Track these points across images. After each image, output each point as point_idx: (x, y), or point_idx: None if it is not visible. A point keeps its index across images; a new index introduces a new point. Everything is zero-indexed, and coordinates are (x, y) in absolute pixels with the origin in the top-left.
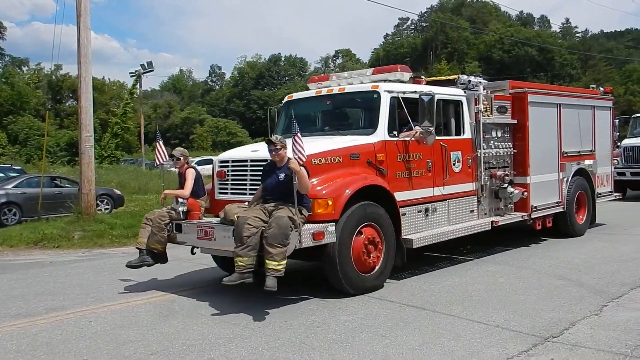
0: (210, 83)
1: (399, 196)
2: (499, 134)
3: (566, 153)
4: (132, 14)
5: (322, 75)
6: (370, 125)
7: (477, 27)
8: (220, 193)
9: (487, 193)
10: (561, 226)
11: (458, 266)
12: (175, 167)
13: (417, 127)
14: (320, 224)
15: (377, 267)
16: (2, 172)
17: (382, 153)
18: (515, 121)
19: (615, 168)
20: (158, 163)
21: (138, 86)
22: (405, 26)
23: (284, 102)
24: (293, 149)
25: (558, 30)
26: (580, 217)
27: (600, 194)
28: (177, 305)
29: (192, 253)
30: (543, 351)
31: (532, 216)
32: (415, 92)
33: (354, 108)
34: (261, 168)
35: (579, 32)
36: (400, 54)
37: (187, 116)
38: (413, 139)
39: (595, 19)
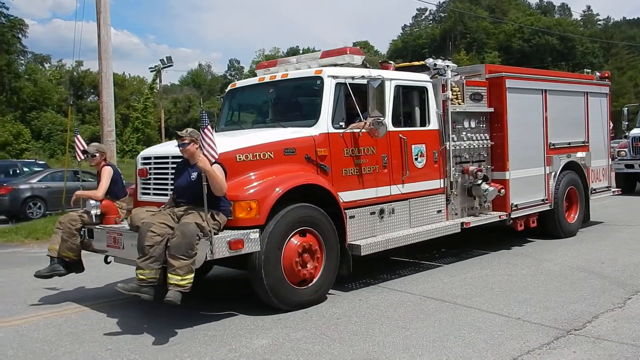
0: (229, 77)
1: (346, 196)
2: (473, 125)
3: (553, 145)
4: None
5: (271, 60)
6: (312, 116)
7: (496, 17)
8: (143, 194)
9: (458, 191)
10: (549, 226)
11: (478, 258)
12: (91, 165)
13: (369, 119)
14: (241, 231)
15: (315, 279)
16: (26, 167)
17: (325, 147)
18: (491, 110)
19: (621, 160)
20: (78, 160)
21: (158, 81)
22: (423, 17)
23: (227, 90)
24: (202, 145)
25: (579, 18)
26: (572, 215)
27: (595, 189)
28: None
29: (106, 262)
30: (565, 344)
31: (513, 216)
32: (363, 77)
33: (297, 96)
34: None
35: (600, 20)
36: (418, 44)
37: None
38: (363, 130)
39: (617, 6)
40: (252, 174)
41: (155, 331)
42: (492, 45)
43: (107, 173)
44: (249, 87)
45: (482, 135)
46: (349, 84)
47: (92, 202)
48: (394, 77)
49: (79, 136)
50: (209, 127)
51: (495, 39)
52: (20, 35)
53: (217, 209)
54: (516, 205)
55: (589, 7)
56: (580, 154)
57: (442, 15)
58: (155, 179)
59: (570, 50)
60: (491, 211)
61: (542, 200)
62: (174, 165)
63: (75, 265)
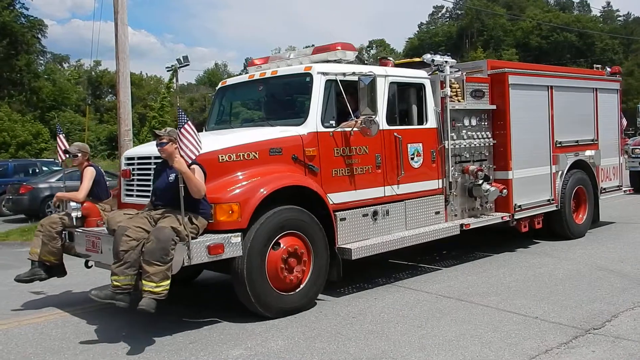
0: None
1: (337, 198)
2: (474, 123)
3: (560, 143)
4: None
5: (263, 57)
6: (301, 114)
7: (513, 14)
8: (127, 196)
9: (458, 191)
10: (556, 227)
11: (495, 257)
12: (73, 165)
13: (361, 117)
14: (221, 235)
15: (303, 284)
16: (45, 166)
17: (313, 147)
18: (494, 107)
19: (636, 158)
20: (60, 160)
21: (175, 80)
22: (440, 14)
23: (217, 88)
24: (179, 145)
25: (598, 14)
26: (580, 216)
27: (604, 189)
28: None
29: (87, 266)
30: (584, 343)
31: (516, 216)
32: (354, 73)
33: (287, 94)
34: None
35: (620, 16)
36: (435, 42)
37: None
38: (355, 129)
39: (637, 1)
40: (235, 175)
41: (132, 340)
42: (510, 43)
43: (89, 174)
44: (239, 84)
45: (483, 133)
46: (340, 80)
47: (72, 204)
48: (389, 74)
49: (61, 135)
50: (188, 125)
51: (513, 36)
52: (39, 36)
53: (196, 212)
54: (520, 206)
55: (608, 3)
56: (588, 152)
57: (459, 13)
58: (138, 180)
59: (590, 47)
60: (493, 212)
61: (548, 200)
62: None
63: (56, 270)
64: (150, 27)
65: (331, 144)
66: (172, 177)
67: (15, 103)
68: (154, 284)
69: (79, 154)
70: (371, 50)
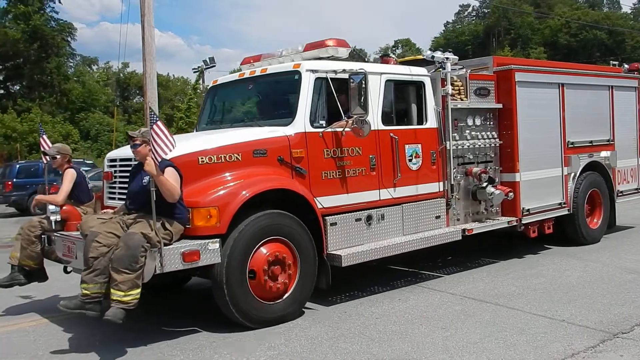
0: None
1: (327, 202)
2: (478, 122)
3: (572, 144)
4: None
5: (256, 55)
6: (289, 114)
7: (541, 12)
8: (110, 199)
9: (461, 194)
10: (568, 232)
11: (522, 259)
12: (54, 167)
13: (352, 117)
14: (198, 241)
15: (288, 293)
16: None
17: (301, 148)
18: (500, 106)
19: None
20: (44, 162)
21: (201, 82)
22: (466, 13)
23: (208, 87)
24: (151, 146)
25: (629, 11)
26: (594, 220)
27: (621, 192)
28: None
29: (66, 272)
30: (612, 347)
31: (524, 221)
32: (344, 71)
33: (275, 93)
34: None
35: None
36: (461, 41)
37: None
38: (347, 130)
39: None
40: (215, 178)
41: (104, 350)
42: (537, 41)
43: (69, 176)
44: (230, 83)
45: (489, 133)
46: (331, 78)
47: (51, 207)
48: (384, 71)
49: (44, 136)
50: (157, 125)
51: (541, 34)
52: (69, 39)
53: (171, 217)
54: (528, 210)
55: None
56: (604, 154)
57: (486, 11)
58: (120, 182)
59: (620, 44)
60: (500, 216)
61: (560, 204)
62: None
63: (36, 274)
64: (177, 29)
65: (321, 145)
66: (145, 180)
67: (46, 105)
68: (122, 293)
69: (58, 156)
70: (397, 50)
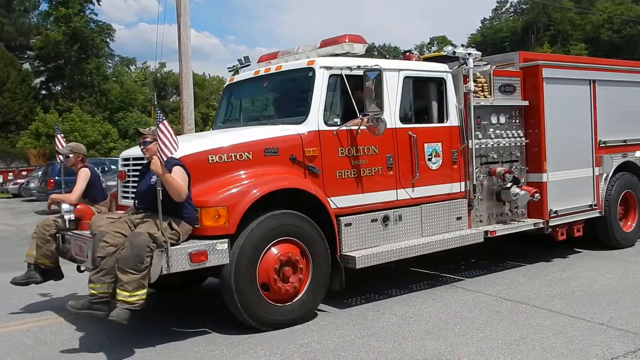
0: None
1: (341, 202)
2: (503, 120)
3: (604, 143)
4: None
5: (273, 52)
6: (302, 112)
7: (582, 7)
8: (124, 198)
9: (484, 195)
10: (599, 235)
11: (559, 260)
12: (68, 166)
13: (367, 114)
14: (206, 241)
15: (299, 295)
16: (114, 165)
17: (314, 147)
18: (526, 103)
19: None
20: (59, 161)
21: None
22: (504, 9)
23: (224, 85)
24: (157, 145)
25: None
26: (629, 223)
27: None
28: None
29: (79, 271)
30: None
31: (552, 223)
32: (359, 67)
33: (290, 90)
34: None
35: None
36: (498, 38)
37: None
38: (362, 128)
39: None
40: (225, 177)
41: (113, 350)
42: (578, 37)
43: (83, 175)
44: (245, 81)
45: (514, 132)
46: (346, 75)
47: (65, 206)
48: (402, 68)
49: (59, 136)
50: (163, 124)
51: (582, 30)
52: (108, 40)
53: (179, 216)
54: (556, 212)
55: None
56: (639, 153)
57: (524, 7)
58: (133, 181)
59: None
60: (526, 218)
61: (590, 205)
62: None
63: (52, 273)
64: (213, 29)
65: (335, 143)
66: (153, 179)
67: (85, 105)
68: (128, 293)
69: (71, 155)
70: (432, 47)
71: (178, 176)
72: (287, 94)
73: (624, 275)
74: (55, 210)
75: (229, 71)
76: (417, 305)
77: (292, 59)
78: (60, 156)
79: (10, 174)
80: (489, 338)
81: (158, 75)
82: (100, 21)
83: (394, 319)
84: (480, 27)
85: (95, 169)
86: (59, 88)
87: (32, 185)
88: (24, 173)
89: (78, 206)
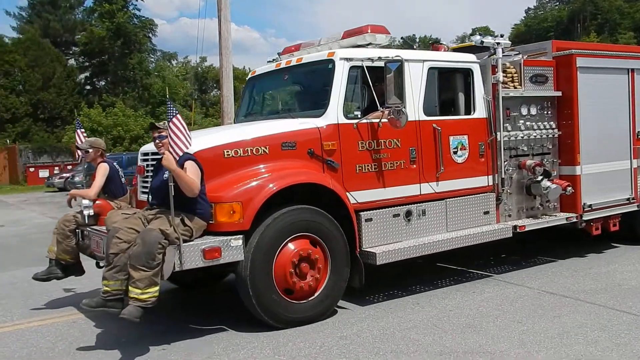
0: None
1: (362, 196)
2: (534, 112)
3: None
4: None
5: (296, 44)
6: (321, 105)
7: None
8: (143, 193)
9: (513, 189)
10: (638, 230)
11: (604, 254)
12: (87, 162)
13: (387, 107)
14: (220, 237)
15: (317, 292)
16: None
17: (333, 140)
18: (559, 94)
19: None
20: (78, 156)
21: None
22: None
23: (247, 79)
24: (169, 140)
25: None
26: None
27: None
28: None
29: (98, 267)
30: None
31: (585, 217)
32: (380, 58)
33: (310, 83)
34: None
35: None
36: (543, 28)
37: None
38: (384, 121)
39: None
40: (241, 172)
41: (129, 347)
42: (627, 26)
43: (102, 170)
44: (267, 74)
45: (546, 123)
46: (367, 67)
47: (84, 201)
48: (427, 59)
49: (79, 131)
50: (176, 119)
51: (631, 18)
52: (150, 35)
53: (192, 212)
54: (590, 206)
55: None
56: None
57: None
58: (152, 177)
59: None
60: (558, 212)
61: (628, 199)
62: None
63: (73, 268)
64: (253, 23)
65: (355, 137)
66: (166, 174)
67: (128, 99)
68: (140, 291)
69: (90, 150)
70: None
71: (191, 171)
72: (307, 86)
73: None
74: (78, 205)
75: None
76: (458, 299)
77: (314, 50)
78: (80, 151)
79: (56, 168)
80: (531, 331)
81: (199, 69)
82: (143, 16)
83: (434, 312)
84: (524, 17)
85: (115, 164)
86: (103, 83)
87: (76, 179)
88: (69, 167)
89: (97, 201)
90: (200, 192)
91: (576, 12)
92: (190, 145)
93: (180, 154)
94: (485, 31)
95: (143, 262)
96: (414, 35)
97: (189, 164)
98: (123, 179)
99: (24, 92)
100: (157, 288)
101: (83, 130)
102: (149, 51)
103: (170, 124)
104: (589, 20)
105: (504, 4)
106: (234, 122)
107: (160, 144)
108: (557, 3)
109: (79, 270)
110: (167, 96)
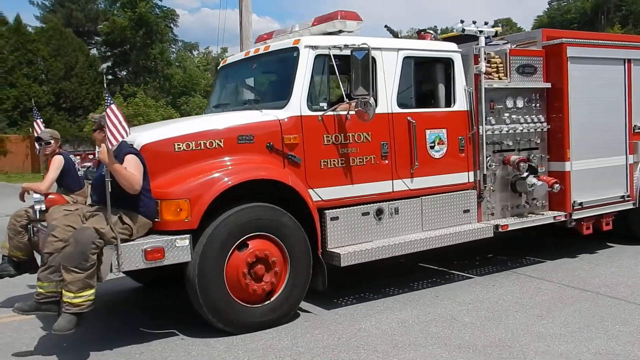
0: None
1: (327, 193)
2: (520, 104)
3: None
4: None
5: (270, 32)
6: (284, 96)
7: None
8: None
9: (497, 186)
10: (634, 228)
11: (625, 247)
12: (45, 153)
13: (355, 98)
14: (164, 237)
15: (275, 295)
16: None
17: (295, 133)
18: (548, 85)
19: None
20: (37, 148)
21: None
22: None
23: (218, 67)
24: (106, 131)
25: None
26: None
27: None
28: None
29: None
30: None
31: (575, 216)
32: (346, 46)
33: (277, 72)
34: None
35: None
36: (566, 19)
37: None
38: (352, 113)
39: None
40: (192, 166)
41: (68, 353)
42: None
43: (56, 163)
44: (236, 63)
45: (534, 117)
46: (334, 55)
47: (35, 195)
48: (402, 47)
49: (38, 120)
50: (110, 109)
51: None
52: (172, 25)
53: (134, 209)
54: (580, 204)
55: None
56: None
57: None
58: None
59: None
60: (546, 210)
61: (622, 197)
62: None
63: (26, 266)
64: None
65: (320, 130)
66: (105, 169)
67: (149, 89)
68: (72, 294)
69: (52, 141)
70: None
71: (131, 166)
72: (274, 75)
73: None
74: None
75: None
76: (477, 292)
77: (286, 38)
78: (38, 142)
79: (77, 157)
80: (551, 325)
81: (220, 60)
82: (165, 7)
83: (453, 305)
84: (547, 8)
85: (70, 156)
86: (124, 73)
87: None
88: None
89: (50, 196)
90: (143, 188)
91: (600, 4)
92: (126, 135)
93: (115, 143)
94: (508, 23)
95: (75, 264)
96: (435, 27)
97: (130, 158)
98: (80, 172)
99: (47, 81)
100: (92, 291)
101: (42, 120)
102: (170, 41)
103: (105, 114)
104: (613, 12)
105: None
106: (205, 113)
107: (94, 138)
108: None
109: (33, 268)
110: (105, 88)
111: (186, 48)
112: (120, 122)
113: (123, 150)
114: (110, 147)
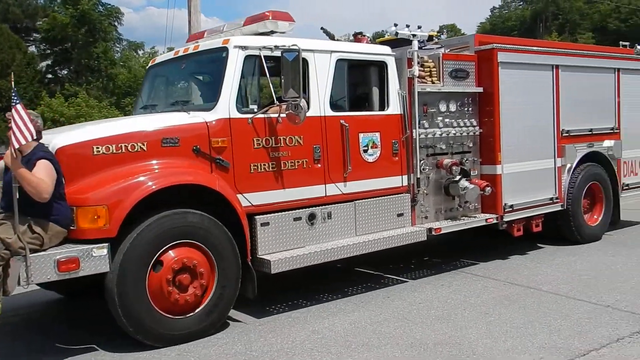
0: None
1: (258, 198)
2: (453, 108)
3: (567, 132)
4: None
5: (201, 32)
6: (212, 97)
7: None
8: None
9: (430, 189)
10: (562, 229)
11: (565, 248)
12: None
13: (286, 100)
14: (79, 246)
15: (203, 305)
16: None
17: (224, 137)
18: (480, 90)
19: None
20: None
21: None
22: None
23: (147, 67)
24: (11, 133)
25: None
26: (594, 216)
27: (628, 185)
28: None
29: None
30: None
31: (507, 218)
32: (277, 47)
33: (205, 72)
34: None
35: None
36: (507, 27)
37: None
38: (283, 116)
39: None
40: (112, 171)
41: None
42: (586, 27)
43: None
44: (165, 62)
45: (466, 121)
46: (265, 56)
47: None
48: (335, 49)
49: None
50: (15, 109)
51: (590, 19)
52: (116, 23)
53: (46, 217)
54: (511, 206)
55: None
56: (607, 143)
57: None
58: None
59: None
60: (479, 213)
61: (551, 199)
62: None
63: None
64: (222, 14)
65: (250, 133)
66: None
67: (92, 89)
68: None
69: None
70: (442, 36)
71: (42, 171)
72: (203, 76)
73: (628, 259)
74: None
75: None
76: (427, 291)
77: (217, 38)
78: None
79: None
80: (497, 322)
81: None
82: (109, 4)
83: (404, 305)
84: (490, 15)
85: None
86: (66, 72)
87: None
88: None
89: None
90: (57, 194)
91: (539, 12)
92: (30, 138)
93: (17, 146)
94: (452, 29)
95: None
96: (383, 31)
97: (42, 163)
98: None
99: None
100: None
101: None
102: (114, 40)
103: (11, 115)
104: (551, 20)
105: (471, 2)
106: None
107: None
108: (521, 3)
109: None
110: (13, 84)
111: (131, 47)
112: (25, 124)
113: (36, 154)
114: (13, 150)
